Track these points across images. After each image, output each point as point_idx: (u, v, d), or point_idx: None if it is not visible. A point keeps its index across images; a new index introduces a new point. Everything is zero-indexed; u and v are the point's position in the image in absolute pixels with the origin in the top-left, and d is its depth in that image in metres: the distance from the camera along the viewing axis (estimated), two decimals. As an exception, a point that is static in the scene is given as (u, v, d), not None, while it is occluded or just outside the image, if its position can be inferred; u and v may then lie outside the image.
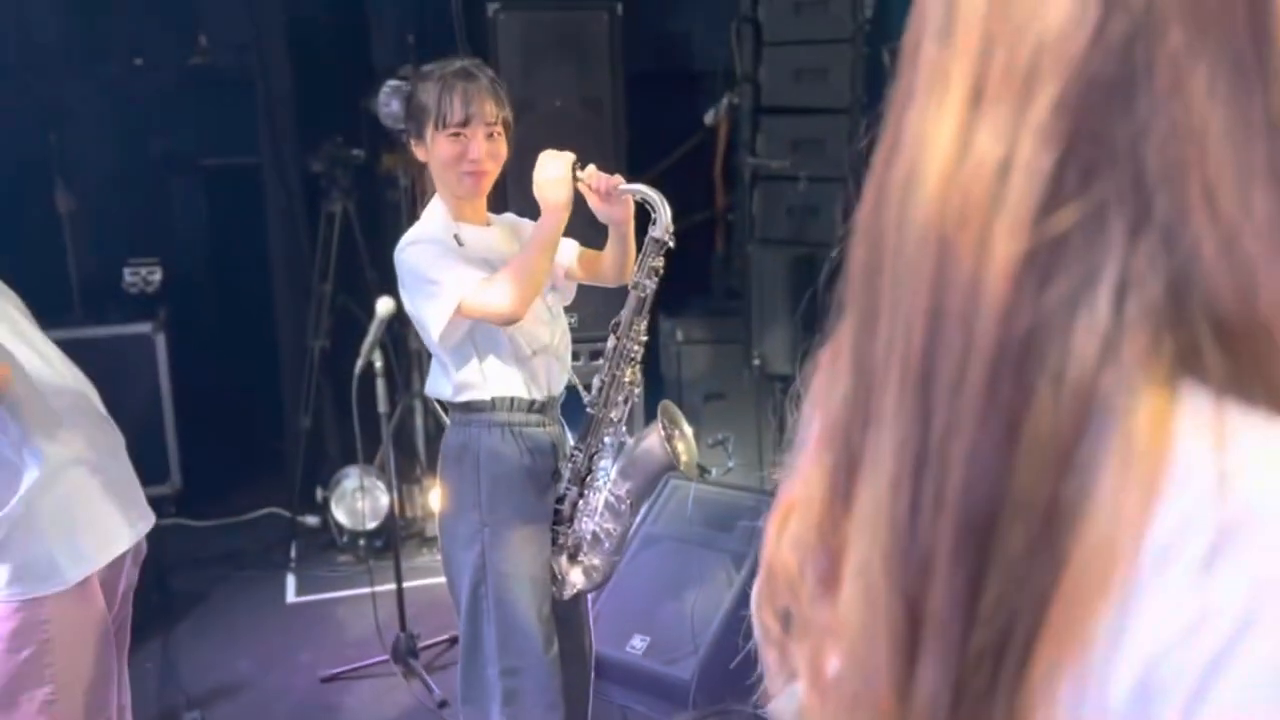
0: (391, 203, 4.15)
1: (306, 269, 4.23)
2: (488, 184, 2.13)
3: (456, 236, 2.11)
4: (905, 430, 0.45)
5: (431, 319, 2.02)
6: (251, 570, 3.97)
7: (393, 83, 3.88)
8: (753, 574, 2.99)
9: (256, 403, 4.54)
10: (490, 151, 2.07)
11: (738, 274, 4.20)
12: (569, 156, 2.05)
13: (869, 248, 0.49)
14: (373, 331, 3.11)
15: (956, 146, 0.44)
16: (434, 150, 2.08)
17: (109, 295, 4.46)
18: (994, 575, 0.41)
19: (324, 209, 4.13)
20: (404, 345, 4.03)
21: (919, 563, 0.44)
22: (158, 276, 4.50)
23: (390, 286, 3.78)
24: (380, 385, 3.16)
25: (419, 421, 4.08)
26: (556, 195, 2.02)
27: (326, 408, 4.21)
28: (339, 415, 4.11)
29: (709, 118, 4.27)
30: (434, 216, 2.14)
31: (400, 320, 3.11)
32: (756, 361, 3.85)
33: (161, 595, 3.68)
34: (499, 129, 2.08)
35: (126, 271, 4.48)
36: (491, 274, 2.03)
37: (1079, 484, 0.40)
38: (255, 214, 4.45)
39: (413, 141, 2.13)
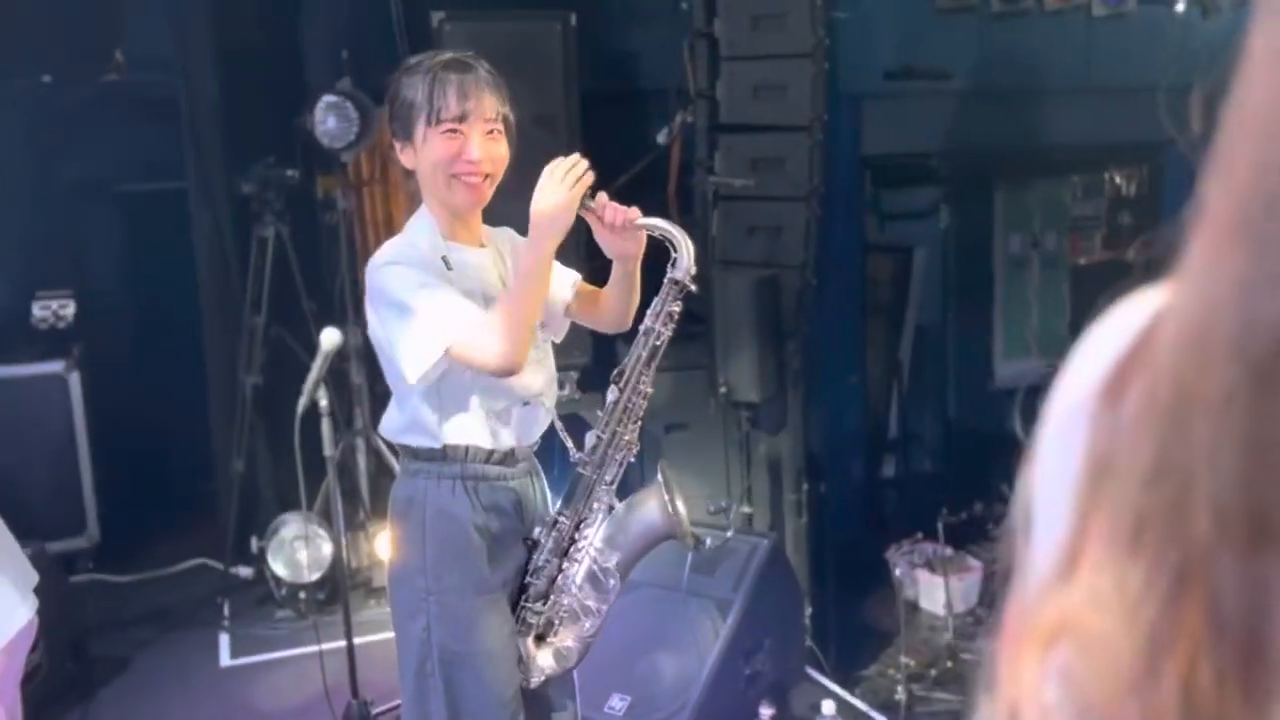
0: (329, 226, 4.02)
1: (237, 299, 4.05)
2: (487, 192, 1.88)
3: (445, 259, 1.86)
4: None
5: (410, 357, 1.77)
6: (180, 630, 3.74)
7: (329, 99, 3.70)
8: (741, 623, 2.78)
9: (182, 445, 4.36)
10: (489, 153, 1.84)
11: (698, 297, 4.04)
12: (583, 180, 1.79)
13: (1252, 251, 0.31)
14: (317, 367, 2.85)
15: None
16: (424, 151, 1.83)
17: (16, 331, 4.22)
18: None
19: (255, 234, 3.97)
20: (345, 380, 3.87)
21: None
22: (70, 310, 4.28)
23: (330, 316, 3.50)
24: (325, 425, 2.90)
25: (361, 462, 3.86)
26: (554, 225, 1.77)
27: (260, 449, 3.97)
28: (274, 458, 3.87)
29: (661, 136, 4.16)
30: (420, 232, 1.89)
31: (340, 354, 2.88)
32: (723, 389, 3.70)
33: (78, 663, 3.46)
34: (499, 127, 1.85)
35: (35, 305, 4.25)
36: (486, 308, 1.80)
37: None
38: (179, 240, 4.29)
39: (398, 146, 1.88)
